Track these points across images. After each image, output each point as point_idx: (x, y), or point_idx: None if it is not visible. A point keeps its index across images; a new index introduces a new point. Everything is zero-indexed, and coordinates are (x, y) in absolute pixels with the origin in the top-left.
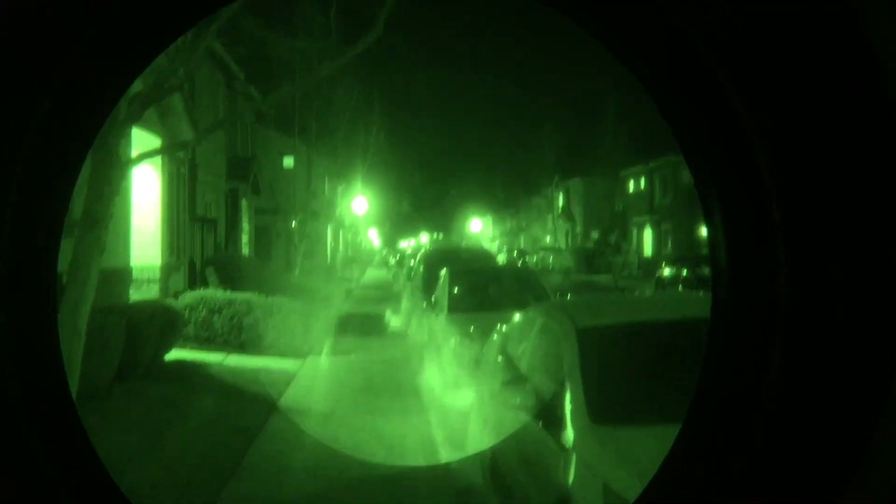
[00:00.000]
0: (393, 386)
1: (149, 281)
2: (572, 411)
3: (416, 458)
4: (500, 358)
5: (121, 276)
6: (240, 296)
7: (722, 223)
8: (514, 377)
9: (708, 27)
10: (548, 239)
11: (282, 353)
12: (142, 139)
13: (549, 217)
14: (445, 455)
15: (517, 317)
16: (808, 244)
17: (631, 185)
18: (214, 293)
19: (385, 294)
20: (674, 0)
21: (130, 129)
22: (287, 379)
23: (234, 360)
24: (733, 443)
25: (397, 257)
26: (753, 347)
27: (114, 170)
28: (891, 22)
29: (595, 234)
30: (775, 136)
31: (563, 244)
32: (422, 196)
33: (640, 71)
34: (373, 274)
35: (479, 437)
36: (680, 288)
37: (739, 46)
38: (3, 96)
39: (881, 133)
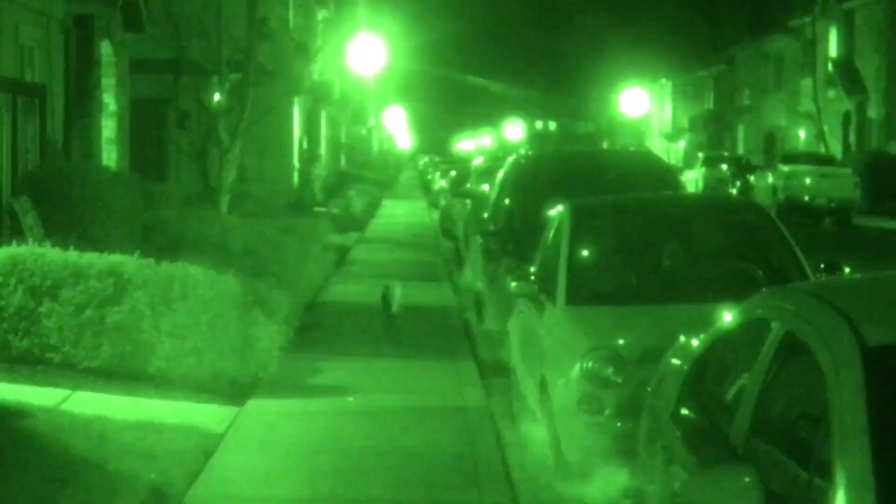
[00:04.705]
0: (433, 479)
1: None
2: None
3: None
4: (687, 412)
5: None
6: (99, 259)
7: None
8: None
9: None
10: (800, 135)
11: (192, 389)
12: None
13: (802, 83)
14: None
15: (726, 318)
16: None
17: None
18: (42, 253)
19: (420, 258)
20: None
21: None
22: (201, 449)
23: (86, 403)
24: None
25: (450, 176)
26: None
27: None
28: None
29: None
30: None
31: (835, 146)
32: (506, 48)
33: None
34: (396, 211)
35: None
36: None
37: None
38: None
39: None
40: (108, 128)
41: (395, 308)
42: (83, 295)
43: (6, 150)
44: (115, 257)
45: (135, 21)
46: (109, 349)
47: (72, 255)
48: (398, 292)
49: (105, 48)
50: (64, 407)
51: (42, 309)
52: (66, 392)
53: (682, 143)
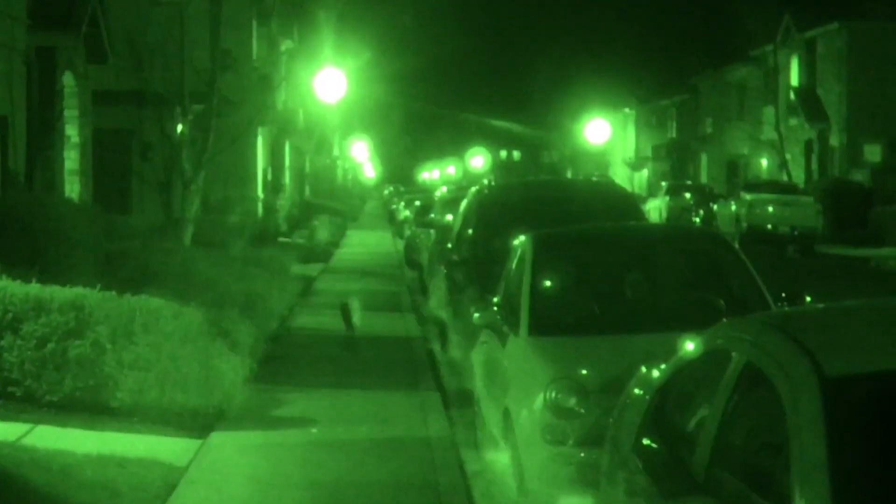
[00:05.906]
0: None
1: None
2: None
3: None
4: (648, 442)
5: None
6: (61, 292)
7: None
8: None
9: None
10: (763, 163)
11: (156, 422)
12: None
13: (765, 112)
14: None
15: (687, 346)
16: None
17: None
18: (3, 286)
19: (385, 288)
20: None
21: None
22: (164, 483)
23: (48, 437)
24: None
25: (415, 206)
26: None
27: None
28: None
29: (874, 153)
30: None
31: (798, 175)
32: (471, 78)
33: None
34: (361, 241)
35: None
36: None
37: None
38: None
39: None
40: (71, 159)
41: (356, 321)
42: (45, 328)
43: None
44: (77, 290)
45: (97, 52)
46: (71, 383)
47: (33, 287)
48: (356, 306)
49: (67, 79)
50: (25, 441)
51: (3, 342)
52: (28, 426)
53: (645, 172)
